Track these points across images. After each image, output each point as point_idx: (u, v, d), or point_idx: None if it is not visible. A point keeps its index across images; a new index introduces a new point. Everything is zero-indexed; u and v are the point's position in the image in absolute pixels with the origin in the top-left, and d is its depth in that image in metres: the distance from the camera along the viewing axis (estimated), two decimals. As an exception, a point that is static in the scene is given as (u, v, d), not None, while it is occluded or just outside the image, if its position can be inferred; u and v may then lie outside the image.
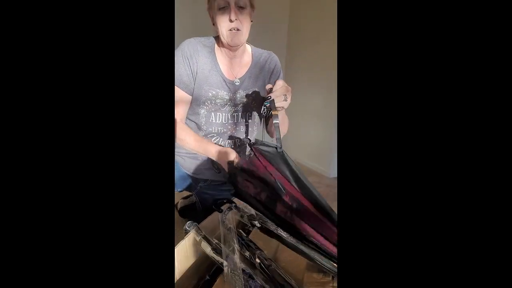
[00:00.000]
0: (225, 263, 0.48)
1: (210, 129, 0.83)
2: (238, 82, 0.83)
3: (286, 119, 0.87)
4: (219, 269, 0.55)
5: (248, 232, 0.68)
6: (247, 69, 0.85)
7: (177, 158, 0.90)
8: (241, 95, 0.84)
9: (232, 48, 0.79)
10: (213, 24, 0.78)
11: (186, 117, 0.85)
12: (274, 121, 0.63)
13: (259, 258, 0.53)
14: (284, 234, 0.59)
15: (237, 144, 0.88)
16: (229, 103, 0.83)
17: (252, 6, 0.76)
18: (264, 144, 0.61)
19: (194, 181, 0.91)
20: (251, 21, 0.78)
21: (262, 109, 0.67)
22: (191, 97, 0.81)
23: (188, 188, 0.94)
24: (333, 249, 0.48)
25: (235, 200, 0.75)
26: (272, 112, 0.64)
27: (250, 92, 0.85)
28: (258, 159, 0.60)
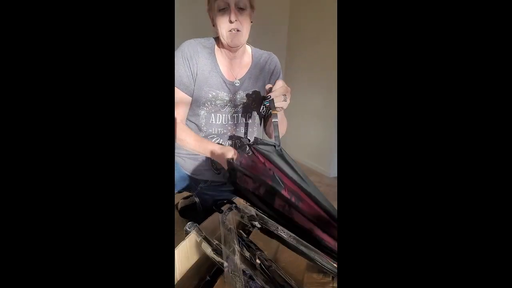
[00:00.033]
0: (225, 264, 0.48)
1: (210, 130, 0.84)
2: (238, 83, 0.83)
3: (285, 120, 0.87)
4: (219, 270, 0.55)
5: (248, 233, 0.69)
6: (247, 70, 0.85)
7: (177, 159, 0.91)
8: (241, 96, 0.84)
9: (232, 49, 0.79)
10: (213, 25, 0.78)
11: (187, 118, 0.85)
12: (273, 120, 0.63)
13: (259, 259, 0.53)
14: (284, 235, 0.59)
15: (237, 145, 0.88)
16: (229, 104, 0.83)
17: (252, 7, 0.77)
18: (263, 143, 0.61)
19: (195, 182, 0.91)
20: (251, 22, 0.78)
21: (261, 108, 0.67)
22: (191, 98, 0.81)
23: (188, 189, 0.94)
24: (331, 242, 0.48)
25: (235, 200, 0.75)
26: (272, 112, 0.64)
27: (250, 93, 0.85)
28: (257, 156, 0.60)
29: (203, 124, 0.83)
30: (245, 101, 0.85)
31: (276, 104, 0.65)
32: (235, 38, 0.75)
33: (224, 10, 0.73)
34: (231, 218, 0.63)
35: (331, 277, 0.51)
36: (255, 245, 0.58)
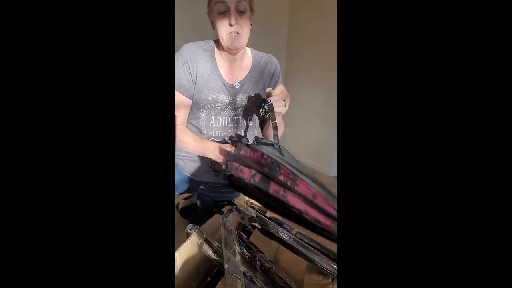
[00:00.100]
0: (226, 265, 0.49)
1: (211, 133, 0.84)
2: (238, 85, 0.84)
3: (282, 124, 0.87)
4: (220, 271, 0.56)
5: (248, 234, 0.69)
6: (247, 72, 0.85)
7: (178, 161, 0.91)
8: (241, 98, 0.84)
9: (232, 51, 0.79)
10: (213, 28, 0.79)
11: (187, 121, 0.85)
12: (272, 122, 0.63)
13: (259, 261, 0.54)
14: (284, 236, 0.59)
15: (237, 143, 0.88)
16: (229, 107, 0.83)
17: (252, 10, 0.77)
18: (263, 143, 0.62)
19: (195, 184, 0.92)
20: (251, 25, 0.79)
21: (261, 111, 0.68)
22: (191, 101, 0.82)
23: (189, 191, 0.95)
24: (328, 223, 0.47)
25: (236, 202, 0.76)
26: (271, 116, 0.65)
27: (250, 95, 0.85)
28: (255, 149, 0.61)
29: (204, 126, 0.83)
30: (245, 103, 0.85)
31: (275, 109, 0.65)
32: (235, 41, 0.76)
33: (224, 13, 0.73)
34: (232, 219, 0.64)
35: (330, 279, 0.51)
36: (255, 246, 0.59)
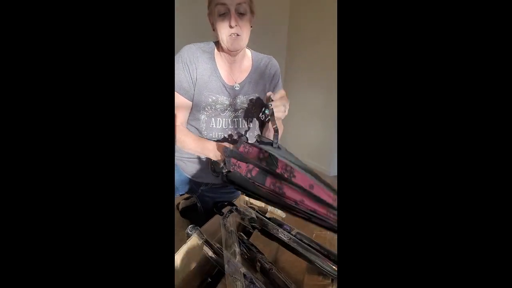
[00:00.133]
0: (226, 266, 0.49)
1: (211, 135, 0.84)
2: (238, 87, 0.84)
3: (282, 126, 0.88)
4: (220, 272, 0.56)
5: (248, 234, 0.70)
6: (247, 74, 0.86)
7: (179, 162, 0.91)
8: (241, 100, 0.85)
9: (232, 52, 0.79)
10: (213, 30, 0.79)
11: (188, 123, 0.86)
12: (273, 127, 0.64)
13: (259, 262, 0.54)
14: (284, 237, 0.60)
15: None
16: (229, 108, 0.83)
17: (252, 12, 0.77)
18: (263, 142, 0.63)
19: (196, 185, 0.92)
20: (251, 27, 0.79)
21: (261, 115, 0.68)
22: (191, 103, 0.82)
23: (189, 192, 0.95)
24: (323, 211, 0.47)
25: (236, 202, 0.76)
26: (271, 119, 0.66)
27: (251, 97, 0.85)
28: (254, 146, 0.62)
29: (204, 128, 0.84)
30: (245, 105, 0.85)
31: (276, 114, 0.66)
32: (235, 42, 0.76)
33: (224, 15, 0.73)
34: (232, 220, 0.64)
35: (330, 280, 0.51)
36: (255, 247, 0.59)
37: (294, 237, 0.59)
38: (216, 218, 0.71)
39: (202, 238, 0.60)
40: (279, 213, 0.82)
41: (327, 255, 0.54)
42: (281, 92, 0.69)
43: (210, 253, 0.57)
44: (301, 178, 0.50)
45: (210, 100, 0.81)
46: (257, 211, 0.71)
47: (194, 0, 1.76)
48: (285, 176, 0.52)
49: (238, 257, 0.51)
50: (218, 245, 0.59)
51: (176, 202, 0.96)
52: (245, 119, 0.87)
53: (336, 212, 0.45)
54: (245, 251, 0.58)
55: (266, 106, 0.65)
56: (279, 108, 0.67)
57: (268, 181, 0.55)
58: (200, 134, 0.85)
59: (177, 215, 1.01)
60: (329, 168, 2.54)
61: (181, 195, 0.97)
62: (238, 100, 0.84)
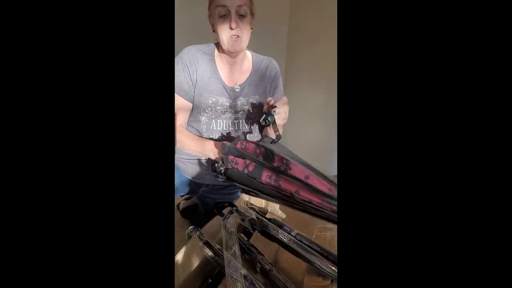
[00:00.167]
0: (226, 267, 0.49)
1: (211, 136, 0.84)
2: (238, 88, 0.84)
3: (281, 127, 0.88)
4: (221, 273, 0.56)
5: (248, 235, 0.70)
6: (248, 75, 0.86)
7: (179, 163, 0.92)
8: (241, 102, 0.85)
9: (232, 54, 0.80)
10: (214, 31, 0.79)
11: (188, 124, 0.86)
12: (275, 133, 0.65)
13: (260, 263, 0.55)
14: (284, 238, 0.60)
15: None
16: (229, 110, 0.84)
17: (252, 14, 0.77)
18: (263, 141, 0.63)
19: (196, 186, 0.93)
20: (251, 29, 0.79)
21: (261, 120, 0.69)
22: (191, 104, 0.82)
23: (189, 193, 0.95)
24: (318, 200, 0.47)
25: (236, 203, 0.76)
26: (273, 126, 0.66)
27: (251, 100, 0.86)
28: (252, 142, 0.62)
29: (204, 130, 0.84)
30: (246, 107, 0.85)
31: (277, 121, 0.67)
32: (235, 44, 0.76)
33: (225, 16, 0.74)
34: (232, 221, 0.65)
35: (330, 280, 0.52)
36: (256, 248, 0.60)
37: (294, 238, 0.59)
38: (217, 219, 0.72)
39: (203, 239, 0.60)
40: (279, 214, 0.83)
41: (327, 256, 0.54)
42: (283, 100, 0.70)
43: (210, 254, 0.58)
44: (297, 170, 0.50)
45: (210, 101, 0.82)
46: (257, 212, 0.71)
47: (194, 0, 1.76)
48: (281, 168, 0.53)
49: (238, 258, 0.52)
50: (218, 246, 0.59)
51: (176, 203, 0.97)
52: (245, 121, 0.87)
53: (332, 202, 0.45)
54: (245, 252, 0.59)
55: (269, 113, 0.66)
56: (281, 115, 0.68)
57: (265, 175, 0.55)
58: (200, 135, 0.85)
59: (177, 215, 1.01)
60: (329, 168, 2.54)
61: (181, 196, 0.97)
62: (238, 102, 0.84)
